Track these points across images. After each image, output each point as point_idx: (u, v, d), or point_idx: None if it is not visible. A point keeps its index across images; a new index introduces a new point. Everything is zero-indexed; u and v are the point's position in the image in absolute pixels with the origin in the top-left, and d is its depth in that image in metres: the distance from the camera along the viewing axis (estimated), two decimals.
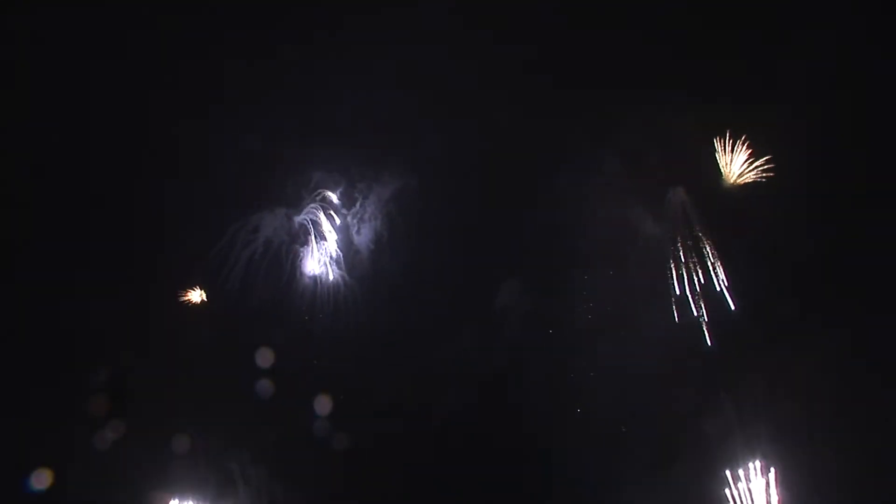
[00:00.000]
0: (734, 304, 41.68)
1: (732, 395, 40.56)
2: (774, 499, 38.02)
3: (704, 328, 42.02)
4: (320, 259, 46.04)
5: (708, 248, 42.96)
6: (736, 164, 43.03)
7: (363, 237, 46.40)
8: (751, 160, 42.72)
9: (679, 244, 43.35)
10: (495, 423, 43.94)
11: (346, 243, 46.47)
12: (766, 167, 42.48)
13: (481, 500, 43.38)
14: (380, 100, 44.96)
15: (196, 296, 45.47)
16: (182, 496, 41.96)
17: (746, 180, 42.89)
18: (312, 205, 46.26)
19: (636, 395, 41.64)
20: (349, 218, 46.57)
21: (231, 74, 44.78)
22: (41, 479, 40.43)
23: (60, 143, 43.52)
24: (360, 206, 46.56)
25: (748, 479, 38.41)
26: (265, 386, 43.39)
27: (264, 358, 43.51)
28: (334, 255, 46.15)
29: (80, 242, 43.99)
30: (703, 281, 42.50)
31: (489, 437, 43.87)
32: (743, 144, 42.79)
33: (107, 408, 41.99)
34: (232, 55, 44.32)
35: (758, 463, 38.45)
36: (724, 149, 43.24)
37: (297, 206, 46.21)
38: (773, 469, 38.32)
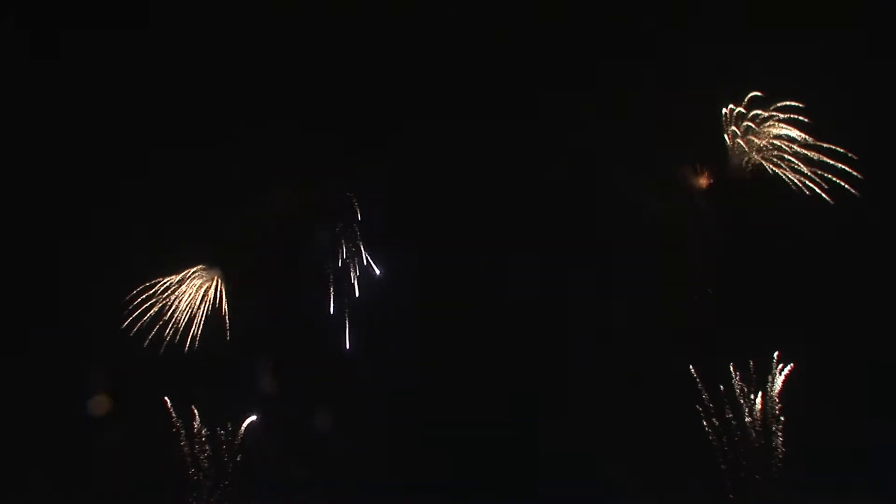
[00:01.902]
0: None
1: None
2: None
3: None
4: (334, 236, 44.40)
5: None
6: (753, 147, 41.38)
7: (373, 215, 45.04)
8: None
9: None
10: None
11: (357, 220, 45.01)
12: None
13: None
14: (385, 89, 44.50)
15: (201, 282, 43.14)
16: None
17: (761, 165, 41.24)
18: (324, 183, 44.51)
19: None
20: (358, 198, 44.92)
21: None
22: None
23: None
24: (369, 184, 44.99)
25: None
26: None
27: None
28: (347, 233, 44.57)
29: (77, 238, 42.26)
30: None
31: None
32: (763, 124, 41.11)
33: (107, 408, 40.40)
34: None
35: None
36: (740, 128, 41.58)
37: (309, 184, 44.22)
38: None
